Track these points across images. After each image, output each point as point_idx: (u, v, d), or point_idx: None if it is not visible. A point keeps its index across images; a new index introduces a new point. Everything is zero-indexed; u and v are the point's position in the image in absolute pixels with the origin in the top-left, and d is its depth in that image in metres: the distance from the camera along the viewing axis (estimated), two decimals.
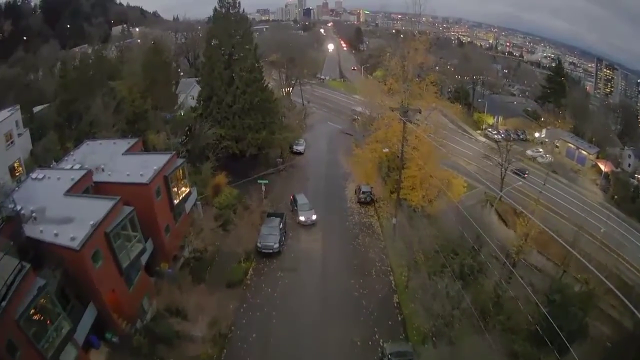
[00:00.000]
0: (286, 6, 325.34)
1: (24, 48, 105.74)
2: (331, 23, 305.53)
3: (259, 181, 45.54)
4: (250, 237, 38.43)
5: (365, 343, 28.95)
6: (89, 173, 29.40)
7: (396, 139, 41.01)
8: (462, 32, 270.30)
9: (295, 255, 38.51)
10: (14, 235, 22.26)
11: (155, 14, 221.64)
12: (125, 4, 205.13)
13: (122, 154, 33.98)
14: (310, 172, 58.89)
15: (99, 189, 29.39)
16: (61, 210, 25.13)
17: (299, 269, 36.45)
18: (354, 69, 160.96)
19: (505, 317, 29.07)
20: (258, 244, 38.06)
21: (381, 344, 28.21)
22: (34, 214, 24.79)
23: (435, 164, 42.91)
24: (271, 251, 37.71)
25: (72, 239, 22.38)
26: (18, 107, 46.57)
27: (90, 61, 58.38)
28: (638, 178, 77.24)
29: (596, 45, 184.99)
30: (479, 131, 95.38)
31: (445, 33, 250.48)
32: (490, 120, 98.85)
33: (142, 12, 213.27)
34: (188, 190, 35.34)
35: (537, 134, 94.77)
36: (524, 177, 61.04)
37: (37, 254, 22.56)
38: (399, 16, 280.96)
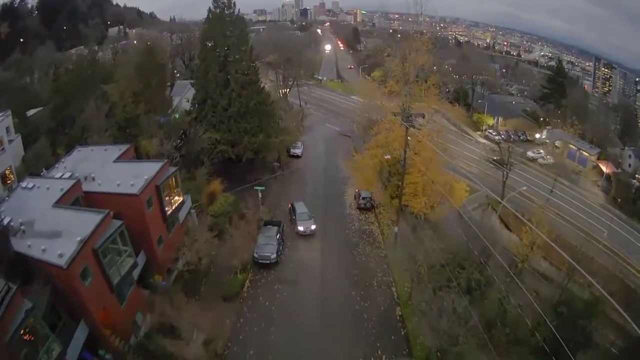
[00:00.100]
0: (283, 6, 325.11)
1: (21, 50, 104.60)
2: (328, 23, 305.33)
3: (255, 188, 44.32)
4: (246, 247, 37.26)
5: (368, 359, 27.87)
6: (78, 183, 28.24)
7: (398, 144, 39.90)
8: (459, 31, 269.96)
9: (293, 266, 37.26)
10: (2, 250, 21.46)
11: (152, 15, 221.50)
12: (122, 5, 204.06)
13: (113, 162, 32.81)
14: (308, 177, 57.81)
15: (89, 199, 28.27)
16: (49, 223, 24.11)
17: (298, 280, 35.18)
18: (350, 68, 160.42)
19: (511, 330, 28.10)
20: (255, 254, 36.76)
21: None
22: (22, 227, 23.81)
23: (438, 169, 41.77)
24: (268, 262, 36.42)
25: (60, 255, 21.28)
26: (9, 112, 45.44)
27: (84, 64, 57.01)
28: (639, 178, 76.51)
29: (595, 44, 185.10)
30: (479, 132, 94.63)
31: (443, 33, 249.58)
32: (490, 121, 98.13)
33: (138, 13, 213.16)
34: (181, 199, 34.13)
35: (537, 135, 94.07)
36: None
37: (26, 269, 21.68)
38: (396, 16, 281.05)
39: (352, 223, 45.47)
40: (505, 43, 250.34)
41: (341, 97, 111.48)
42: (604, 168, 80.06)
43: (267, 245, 37.05)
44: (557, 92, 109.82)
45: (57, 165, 33.28)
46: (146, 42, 69.11)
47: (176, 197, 33.48)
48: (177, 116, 56.20)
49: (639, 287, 50.58)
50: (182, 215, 35.23)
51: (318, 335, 29.42)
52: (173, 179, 32.81)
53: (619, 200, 72.16)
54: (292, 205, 45.18)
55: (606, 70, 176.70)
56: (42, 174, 32.51)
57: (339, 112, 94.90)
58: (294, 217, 43.39)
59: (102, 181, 29.66)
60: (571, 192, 71.06)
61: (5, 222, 23.41)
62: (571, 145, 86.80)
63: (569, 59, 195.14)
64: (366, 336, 29.64)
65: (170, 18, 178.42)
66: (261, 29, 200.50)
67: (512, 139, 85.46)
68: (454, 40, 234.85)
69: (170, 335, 27.18)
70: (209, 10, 51.47)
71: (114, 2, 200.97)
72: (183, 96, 64.69)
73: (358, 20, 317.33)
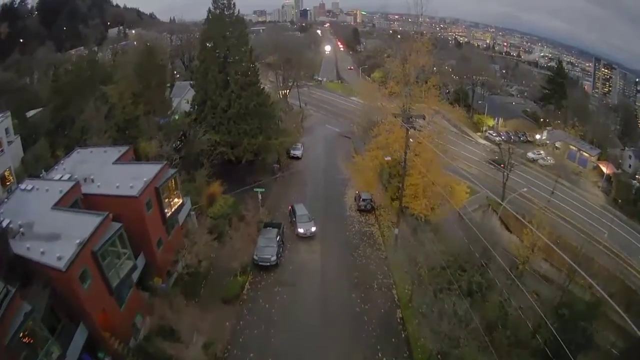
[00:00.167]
0: (283, 7, 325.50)
1: (20, 50, 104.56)
2: (328, 24, 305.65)
3: (255, 190, 44.16)
4: (246, 249, 37.00)
5: None
6: (77, 185, 28.11)
7: (398, 145, 39.72)
8: (459, 32, 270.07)
9: (293, 268, 37.07)
10: (1, 252, 21.49)
11: (151, 16, 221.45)
12: (122, 5, 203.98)
13: (113, 163, 32.65)
14: (308, 178, 57.66)
15: (88, 201, 28.13)
16: (48, 225, 24.00)
17: (298, 282, 35.00)
18: (350, 69, 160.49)
19: (512, 332, 27.96)
20: (255, 256, 36.59)
21: None
22: (21, 229, 23.74)
23: (438, 170, 41.60)
24: (268, 264, 36.26)
25: (59, 258, 21.19)
26: (8, 113, 45.33)
27: (84, 65, 56.86)
28: (639, 179, 76.40)
29: (595, 44, 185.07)
30: (479, 133, 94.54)
31: (443, 33, 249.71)
32: (491, 122, 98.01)
33: (138, 13, 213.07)
34: (181, 201, 33.98)
35: (537, 136, 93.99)
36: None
37: (25, 271, 21.70)
38: (396, 17, 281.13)
39: (352, 225, 45.30)
40: (505, 44, 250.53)
41: (341, 98, 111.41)
42: (604, 169, 79.96)
43: (267, 248, 36.87)
44: (557, 92, 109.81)
45: (56, 167, 33.15)
46: (146, 42, 68.84)
47: (175, 199, 33.31)
48: (177, 117, 56.09)
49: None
50: (181, 217, 35.09)
51: (318, 337, 29.27)
52: (172, 180, 32.66)
53: (620, 201, 72.02)
54: (292, 207, 45.01)
55: (606, 70, 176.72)
56: (41, 175, 32.39)
57: (338, 113, 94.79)
58: (294, 219, 43.22)
59: (101, 183, 29.51)
60: (571, 193, 70.93)
61: (5, 224, 23.36)
62: (571, 146, 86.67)
63: (569, 60, 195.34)
64: (366, 339, 29.49)
65: (170, 19, 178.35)
66: (261, 30, 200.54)
67: (512, 140, 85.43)
68: (453, 41, 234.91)
69: (170, 338, 27.04)
70: (209, 11, 51.35)
71: (114, 3, 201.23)
72: (183, 97, 64.52)
73: (358, 21, 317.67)
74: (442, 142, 43.46)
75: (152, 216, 29.81)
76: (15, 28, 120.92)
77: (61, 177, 30.13)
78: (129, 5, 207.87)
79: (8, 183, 40.62)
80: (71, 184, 27.80)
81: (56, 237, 22.90)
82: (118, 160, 33.26)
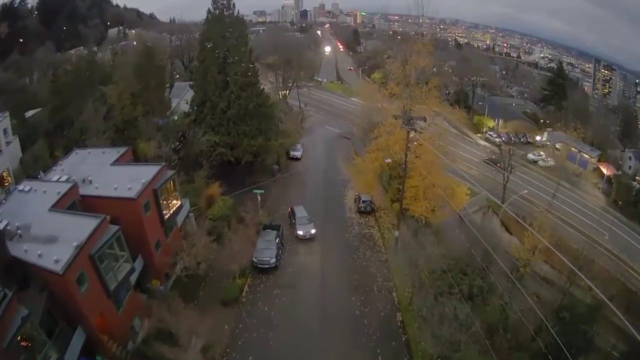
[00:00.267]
0: (283, 8, 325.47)
1: (20, 50, 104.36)
2: (328, 25, 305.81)
3: (254, 191, 43.97)
4: (245, 251, 36.75)
5: None
6: (75, 187, 27.96)
7: (398, 147, 39.51)
8: (459, 33, 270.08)
9: (292, 270, 36.83)
10: None
11: (151, 16, 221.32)
12: (122, 5, 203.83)
13: (111, 165, 32.51)
14: (307, 179, 57.43)
15: (85, 203, 27.99)
16: (46, 227, 23.90)
17: (297, 285, 34.74)
18: (350, 69, 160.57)
19: (512, 335, 27.77)
20: (254, 259, 36.34)
21: None
22: (19, 231, 23.58)
23: (439, 172, 41.39)
24: (267, 266, 36.01)
25: (56, 261, 21.05)
26: (7, 114, 45.17)
27: (83, 65, 56.64)
28: (639, 180, 76.21)
29: (595, 45, 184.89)
30: (479, 135, 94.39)
31: (443, 34, 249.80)
32: (491, 124, 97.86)
33: (138, 14, 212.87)
34: (179, 203, 33.78)
35: (538, 137, 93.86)
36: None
37: (23, 273, 21.57)
38: (396, 17, 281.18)
39: (352, 227, 45.03)
40: (505, 45, 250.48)
41: (341, 99, 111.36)
42: (604, 170, 79.79)
43: (266, 250, 36.61)
44: (557, 94, 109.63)
45: (54, 168, 33.06)
46: (145, 43, 68.63)
47: (174, 201, 33.15)
48: (176, 118, 55.89)
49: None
50: (180, 219, 34.91)
51: (318, 340, 29.06)
52: (171, 182, 32.48)
53: (620, 202, 71.83)
54: (291, 209, 44.72)
55: (606, 71, 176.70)
56: (39, 176, 32.14)
57: (338, 114, 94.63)
58: (293, 221, 42.98)
59: (99, 184, 29.38)
60: (572, 195, 70.73)
61: (2, 225, 23.21)
62: (572, 148, 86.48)
63: (568, 61, 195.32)
64: (366, 342, 29.26)
65: (170, 19, 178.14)
66: (261, 31, 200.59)
67: (512, 141, 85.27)
68: (453, 42, 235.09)
69: (169, 341, 26.81)
70: (208, 12, 51.07)
71: (114, 3, 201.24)
72: (182, 98, 64.37)
73: (358, 21, 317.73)
74: (443, 143, 43.22)
75: (150, 218, 29.62)
76: (15, 28, 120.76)
77: (59, 178, 30.01)
78: (128, 6, 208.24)
79: (6, 184, 40.46)
80: (69, 185, 27.70)
81: (53, 240, 22.80)
82: (116, 162, 33.16)
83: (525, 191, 56.81)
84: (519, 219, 26.51)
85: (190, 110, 54.25)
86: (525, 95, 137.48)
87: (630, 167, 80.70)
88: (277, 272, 36.38)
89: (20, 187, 28.47)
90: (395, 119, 38.50)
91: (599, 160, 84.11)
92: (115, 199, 27.85)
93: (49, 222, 24.34)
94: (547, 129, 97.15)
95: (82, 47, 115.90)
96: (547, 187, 68.62)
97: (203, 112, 51.37)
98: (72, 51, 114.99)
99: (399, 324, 31.07)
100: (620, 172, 79.56)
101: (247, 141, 50.73)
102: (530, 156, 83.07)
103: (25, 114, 56.06)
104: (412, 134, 35.46)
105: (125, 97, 45.29)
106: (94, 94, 46.84)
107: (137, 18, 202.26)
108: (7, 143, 43.94)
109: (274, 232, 39.14)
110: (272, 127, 55.58)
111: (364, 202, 47.39)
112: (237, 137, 50.58)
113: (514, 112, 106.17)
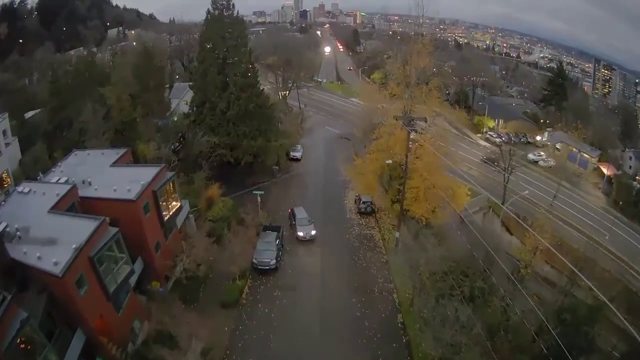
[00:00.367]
0: (282, 8, 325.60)
1: (20, 51, 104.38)
2: (328, 25, 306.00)
3: (254, 192, 43.87)
4: (245, 253, 36.57)
5: None
6: (74, 188, 27.84)
7: (399, 148, 39.39)
8: (459, 33, 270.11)
9: (292, 272, 36.68)
10: None
11: (151, 17, 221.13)
12: (121, 6, 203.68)
13: (110, 166, 32.40)
14: (308, 180, 57.32)
15: (85, 205, 27.87)
16: (45, 229, 23.73)
17: (297, 286, 34.60)
18: (349, 69, 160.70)
19: (513, 337, 27.65)
20: (254, 260, 36.19)
21: None
22: (18, 233, 23.43)
23: (440, 173, 41.27)
24: (267, 268, 35.87)
25: (55, 263, 20.88)
26: (6, 115, 45.16)
27: (82, 66, 56.54)
28: (639, 180, 76.05)
29: (595, 45, 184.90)
30: (479, 135, 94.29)
31: (443, 34, 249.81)
32: (491, 124, 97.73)
33: (138, 14, 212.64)
34: (179, 204, 33.65)
35: (538, 137, 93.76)
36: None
37: (22, 276, 21.44)
38: (396, 18, 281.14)
39: (352, 228, 44.86)
40: (504, 45, 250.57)
41: (341, 99, 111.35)
42: (605, 170, 79.62)
43: (266, 251, 36.44)
44: (557, 94, 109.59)
45: (53, 169, 32.87)
46: (144, 44, 68.56)
47: (174, 202, 33.01)
48: (176, 119, 55.74)
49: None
50: (179, 220, 34.75)
51: (318, 342, 28.96)
52: (170, 184, 32.34)
53: (621, 202, 71.68)
54: (291, 210, 44.55)
55: (606, 71, 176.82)
56: (38, 178, 32.07)
57: (338, 115, 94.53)
58: (293, 223, 42.83)
59: (98, 186, 29.23)
60: (572, 195, 70.60)
61: (1, 227, 23.07)
62: (572, 148, 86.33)
63: (568, 61, 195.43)
64: (367, 344, 29.13)
65: (170, 19, 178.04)
66: (261, 31, 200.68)
67: (512, 142, 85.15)
68: (453, 42, 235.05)
69: (168, 343, 26.67)
70: (208, 12, 50.87)
71: (114, 4, 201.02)
72: (181, 98, 64.20)
73: (358, 22, 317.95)
74: (444, 144, 43.10)
75: (150, 220, 29.48)
76: (14, 28, 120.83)
77: (58, 179, 29.89)
78: (128, 6, 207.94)
79: (6, 185, 40.45)
80: (68, 187, 27.56)
81: (52, 242, 22.65)
82: (116, 163, 33.03)
83: (526, 192, 56.72)
84: (519, 220, 26.31)
85: (190, 111, 54.07)
86: (525, 95, 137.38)
87: (630, 167, 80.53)
88: (277, 273, 36.23)
89: (20, 189, 28.29)
90: (396, 119, 38.37)
91: (599, 160, 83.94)
92: (114, 201, 27.71)
93: (48, 224, 24.20)
94: (548, 129, 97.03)
95: (81, 48, 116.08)
96: (547, 187, 68.52)
97: (203, 112, 51.20)
98: (72, 52, 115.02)
99: (399, 325, 30.95)
100: (620, 172, 79.38)
101: (246, 142, 50.58)
102: (531, 156, 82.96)
103: (25, 114, 56.09)
104: (412, 135, 35.34)
105: (125, 98, 45.11)
106: (93, 95, 46.66)
107: (136, 18, 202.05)
108: (7, 144, 43.97)
109: (274, 234, 38.97)
110: (272, 128, 55.41)
111: (364, 203, 47.21)
112: (236, 138, 50.43)
113: (514, 112, 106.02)
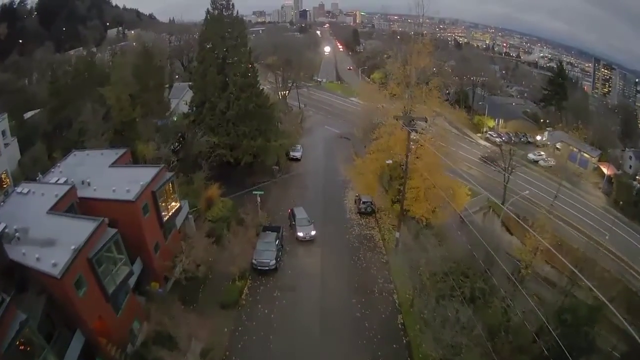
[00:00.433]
0: (282, 8, 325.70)
1: (19, 51, 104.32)
2: (327, 25, 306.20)
3: (254, 192, 43.78)
4: (245, 253, 36.33)
5: None
6: (73, 189, 27.74)
7: (399, 148, 39.28)
8: (458, 33, 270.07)
9: (292, 272, 36.57)
10: None
11: (151, 16, 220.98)
12: (121, 6, 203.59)
13: (109, 166, 32.33)
14: (307, 180, 57.24)
15: (84, 205, 27.78)
16: (44, 230, 23.63)
17: (297, 287, 34.48)
18: (349, 69, 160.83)
19: (514, 338, 27.56)
20: (253, 261, 36.06)
21: None
22: (17, 234, 23.34)
23: (440, 173, 41.18)
24: (267, 268, 35.75)
25: (54, 265, 20.78)
26: (5, 115, 45.09)
27: (81, 66, 56.45)
28: (639, 180, 75.97)
29: (594, 45, 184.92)
30: (479, 134, 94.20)
31: (442, 34, 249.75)
32: (491, 123, 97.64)
33: (137, 14, 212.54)
34: (178, 205, 33.56)
35: (538, 137, 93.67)
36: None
37: (21, 277, 21.38)
38: (396, 17, 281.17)
39: (352, 228, 44.74)
40: (504, 44, 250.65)
41: (340, 99, 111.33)
42: (605, 170, 79.53)
43: (266, 252, 36.31)
44: (558, 93, 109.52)
45: (52, 170, 32.80)
46: (144, 44, 68.44)
47: (173, 203, 32.90)
48: (175, 119, 55.62)
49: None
50: (179, 221, 34.65)
51: (318, 343, 28.85)
52: (170, 184, 32.24)
53: (621, 202, 71.57)
54: (291, 210, 44.42)
55: (606, 71, 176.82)
56: (37, 178, 31.98)
57: (338, 114, 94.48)
58: (293, 223, 42.72)
59: (97, 187, 29.12)
60: (572, 195, 70.50)
61: (0, 228, 23.02)
62: (572, 147, 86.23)
63: (568, 60, 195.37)
64: (367, 344, 29.02)
65: (170, 19, 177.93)
66: (260, 31, 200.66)
67: (513, 141, 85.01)
68: (453, 42, 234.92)
69: (168, 344, 26.58)
70: (207, 12, 50.76)
71: (113, 4, 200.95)
72: (181, 98, 64.05)
73: (357, 21, 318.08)
74: (444, 144, 43.00)
75: (149, 220, 29.38)
76: (14, 29, 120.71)
77: (57, 180, 29.77)
78: (128, 6, 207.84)
79: (5, 186, 40.37)
80: (67, 187, 27.45)
81: (51, 243, 22.54)
82: (115, 163, 32.97)
83: (527, 192, 56.59)
84: (520, 221, 26.16)
85: (190, 111, 53.94)
86: (525, 94, 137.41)
87: (630, 167, 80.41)
88: (277, 274, 36.13)
89: (19, 190, 28.21)
90: (396, 119, 38.27)
91: (599, 160, 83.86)
92: (113, 202, 27.61)
93: (47, 225, 24.10)
94: (548, 129, 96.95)
95: (81, 48, 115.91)
96: (548, 187, 68.40)
97: (202, 112, 51.09)
98: (72, 52, 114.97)
99: (399, 326, 30.83)
100: (620, 172, 79.27)
101: (246, 142, 50.47)
102: (531, 156, 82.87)
103: (24, 115, 55.98)
104: (413, 135, 35.24)
105: (124, 99, 45.01)
106: (92, 95, 46.58)
107: (136, 18, 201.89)
108: (6, 145, 43.87)
109: (274, 234, 38.85)
110: (272, 128, 55.35)
111: (364, 203, 47.10)
112: (236, 138, 50.32)
113: (514, 112, 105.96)
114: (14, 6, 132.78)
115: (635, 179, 76.06)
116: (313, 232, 41.47)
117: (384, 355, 28.07)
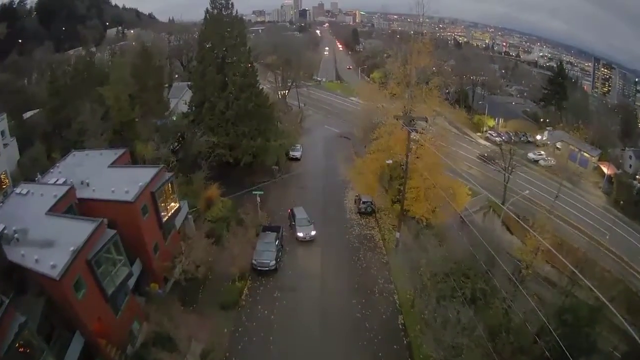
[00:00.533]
0: (282, 7, 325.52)
1: (19, 51, 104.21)
2: (327, 24, 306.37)
3: (253, 192, 43.66)
4: (245, 254, 36.14)
5: None
6: (72, 190, 27.59)
7: (399, 148, 39.16)
8: (458, 32, 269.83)
9: (292, 273, 36.45)
10: None
11: (150, 16, 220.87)
12: (121, 6, 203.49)
13: (108, 167, 32.19)
14: (307, 180, 57.08)
15: (83, 206, 27.64)
16: (42, 231, 23.49)
17: (297, 287, 34.35)
18: (349, 68, 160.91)
19: (515, 338, 27.46)
20: (253, 261, 35.92)
21: None
22: (16, 235, 23.20)
23: (440, 173, 41.07)
24: (267, 269, 35.62)
25: (53, 266, 20.65)
26: (4, 115, 45.01)
27: (80, 66, 56.32)
28: (639, 179, 75.87)
29: (594, 44, 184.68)
30: (479, 134, 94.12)
31: (442, 33, 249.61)
32: (491, 123, 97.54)
33: (137, 14, 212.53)
34: (177, 205, 33.42)
35: (538, 137, 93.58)
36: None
37: (20, 278, 21.27)
38: (395, 17, 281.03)
39: (352, 228, 44.59)
40: (504, 44, 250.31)
41: (340, 99, 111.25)
42: (605, 169, 79.42)
43: (265, 252, 36.17)
44: (558, 93, 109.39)
45: (52, 170, 32.68)
46: (143, 43, 68.28)
47: (172, 203, 32.76)
48: (175, 119, 55.48)
49: None
50: (178, 221, 34.51)
51: (318, 344, 28.74)
52: (169, 185, 32.09)
53: (621, 202, 71.45)
54: (291, 210, 44.27)
55: (605, 70, 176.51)
56: (36, 179, 31.88)
57: (338, 114, 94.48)
58: (293, 223, 42.57)
59: (96, 187, 28.97)
60: (573, 195, 70.41)
61: (0, 229, 22.87)
62: (572, 147, 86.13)
63: (568, 60, 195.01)
64: (367, 345, 28.90)
65: (169, 19, 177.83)
66: (260, 30, 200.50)
67: (513, 141, 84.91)
68: (452, 41, 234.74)
69: (168, 346, 26.47)
70: (207, 11, 50.63)
71: (113, 3, 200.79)
72: (180, 98, 63.95)
73: (357, 21, 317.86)
74: (445, 144, 42.89)
75: (148, 221, 29.23)
76: (14, 28, 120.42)
77: (56, 181, 29.59)
78: (127, 6, 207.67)
79: (4, 186, 40.27)
80: (66, 188, 27.29)
81: (50, 244, 22.41)
82: (114, 164, 32.81)
83: (527, 191, 56.47)
84: (520, 222, 25.94)
85: (189, 110, 53.78)
86: (525, 94, 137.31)
87: (630, 166, 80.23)
88: (277, 274, 36.00)
89: (18, 190, 28.08)
90: (396, 119, 38.15)
91: (599, 160, 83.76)
92: (112, 202, 27.45)
93: (46, 226, 23.97)
94: (548, 128, 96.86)
95: (80, 48, 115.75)
96: (548, 186, 68.27)
97: (202, 112, 50.94)
98: (71, 51, 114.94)
99: (400, 326, 30.72)
100: (620, 171, 79.16)
101: (246, 142, 50.36)
102: (531, 155, 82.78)
103: (24, 115, 55.89)
104: (413, 135, 35.13)
105: (123, 99, 44.88)
106: (91, 95, 46.47)
107: (136, 18, 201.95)
108: (5, 145, 43.77)
109: (274, 234, 38.68)
110: (272, 128, 55.26)
111: (364, 203, 46.95)
112: (236, 138, 50.19)
113: (514, 111, 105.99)
114: (14, 6, 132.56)
115: (635, 179, 75.90)
116: (313, 232, 41.33)
117: (384, 356, 27.95)
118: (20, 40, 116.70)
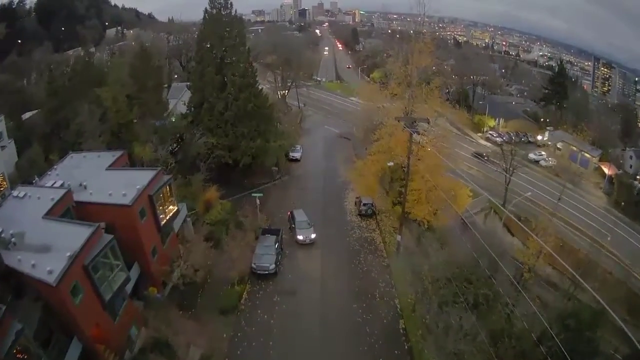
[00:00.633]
0: (281, 7, 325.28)
1: (18, 51, 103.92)
2: (327, 24, 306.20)
3: (253, 194, 43.29)
4: (244, 257, 35.91)
5: None
6: (69, 193, 27.24)
7: (400, 150, 38.82)
8: (458, 31, 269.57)
9: (292, 276, 36.07)
10: None
11: (150, 16, 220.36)
12: (120, 6, 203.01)
13: (106, 169, 31.84)
14: (307, 181, 56.84)
15: (80, 209, 27.29)
16: (39, 235, 23.11)
17: (297, 291, 34.01)
18: (348, 68, 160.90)
19: (517, 343, 27.17)
20: (253, 265, 35.55)
21: None
22: (13, 239, 22.84)
23: (442, 175, 40.73)
24: (267, 272, 35.25)
25: (49, 272, 20.28)
26: (2, 117, 44.64)
27: (79, 66, 55.93)
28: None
29: (594, 44, 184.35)
30: (479, 134, 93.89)
31: (442, 33, 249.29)
32: (492, 123, 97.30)
33: (136, 14, 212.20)
34: (176, 208, 33.07)
35: (539, 137, 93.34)
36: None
37: (17, 283, 20.96)
38: (395, 16, 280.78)
39: (352, 230, 44.22)
40: (504, 43, 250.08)
41: (340, 99, 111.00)
42: (605, 170, 79.21)
43: (265, 255, 35.77)
44: (558, 93, 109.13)
45: (49, 173, 32.27)
46: (142, 43, 67.92)
47: (170, 206, 32.38)
48: (173, 119, 55.09)
49: None
50: (177, 224, 34.10)
51: (318, 349, 28.40)
52: (167, 187, 31.68)
53: (622, 203, 71.18)
54: (291, 213, 43.90)
55: (605, 69, 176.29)
56: (34, 181, 31.58)
57: (338, 114, 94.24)
58: (293, 226, 42.21)
59: (93, 190, 28.61)
60: (574, 195, 70.13)
61: None
62: (572, 147, 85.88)
63: (567, 59, 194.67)
64: (368, 350, 28.55)
65: (169, 19, 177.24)
66: (259, 30, 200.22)
67: (513, 141, 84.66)
68: (452, 41, 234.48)
69: (166, 351, 26.14)
70: (205, 11, 50.26)
71: (112, 3, 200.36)
72: (179, 99, 63.50)
73: (357, 20, 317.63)
74: (446, 145, 42.58)
75: (146, 225, 28.86)
76: (13, 29, 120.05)
77: (54, 183, 29.30)
78: (127, 6, 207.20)
79: (2, 189, 39.87)
80: (63, 191, 26.95)
81: (47, 249, 22.07)
82: (112, 166, 32.45)
83: (529, 193, 56.18)
84: (522, 225, 25.52)
85: (188, 111, 53.35)
86: (525, 93, 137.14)
87: (631, 166, 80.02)
88: (277, 278, 35.62)
89: (15, 193, 27.76)
90: (398, 120, 37.80)
91: (600, 160, 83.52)
92: (109, 206, 27.11)
93: (43, 230, 23.62)
94: (548, 128, 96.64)
95: (79, 48, 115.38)
96: (549, 187, 68.03)
97: (201, 113, 50.52)
98: (70, 52, 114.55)
99: (401, 331, 30.38)
100: (621, 172, 78.91)
101: (245, 143, 49.96)
102: (532, 156, 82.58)
103: (22, 116, 55.52)
104: (414, 137, 34.78)
105: (121, 100, 44.53)
106: (90, 96, 46.10)
107: (135, 18, 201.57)
108: (2, 147, 43.39)
109: (273, 237, 38.29)
110: (271, 129, 54.87)
111: (364, 205, 46.54)
112: (235, 139, 49.81)
113: (514, 111, 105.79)
114: (13, 6, 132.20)
115: (636, 179, 75.65)
116: (313, 235, 40.94)
117: None
118: (19, 41, 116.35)
